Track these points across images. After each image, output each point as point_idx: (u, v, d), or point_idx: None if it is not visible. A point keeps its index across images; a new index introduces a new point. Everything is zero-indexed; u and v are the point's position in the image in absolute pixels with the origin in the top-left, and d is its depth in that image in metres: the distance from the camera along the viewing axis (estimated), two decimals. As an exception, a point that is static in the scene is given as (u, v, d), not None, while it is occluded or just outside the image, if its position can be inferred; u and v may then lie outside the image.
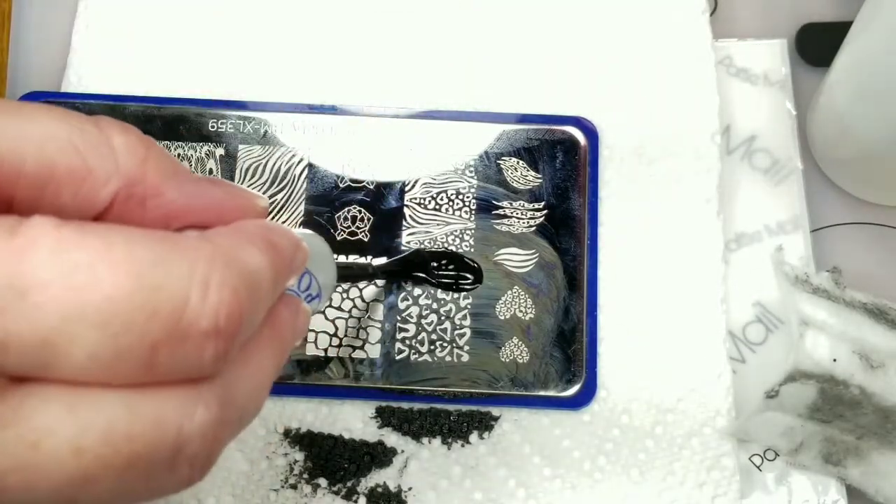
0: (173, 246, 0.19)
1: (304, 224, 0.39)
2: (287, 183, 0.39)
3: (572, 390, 0.37)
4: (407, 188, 0.39)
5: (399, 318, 0.38)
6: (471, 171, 0.40)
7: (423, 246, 0.39)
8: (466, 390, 0.37)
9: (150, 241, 0.19)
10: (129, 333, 0.18)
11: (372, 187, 0.39)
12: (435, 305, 0.38)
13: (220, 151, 0.40)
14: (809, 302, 0.36)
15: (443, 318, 0.38)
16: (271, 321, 0.23)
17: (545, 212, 0.39)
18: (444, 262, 0.38)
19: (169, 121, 0.40)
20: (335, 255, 0.38)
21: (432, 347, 0.37)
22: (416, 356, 0.37)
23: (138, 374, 0.19)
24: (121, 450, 0.18)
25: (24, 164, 0.19)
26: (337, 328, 0.38)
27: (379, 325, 0.38)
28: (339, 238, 0.39)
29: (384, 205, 0.39)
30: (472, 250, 0.39)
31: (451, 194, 0.39)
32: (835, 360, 0.35)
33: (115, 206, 0.21)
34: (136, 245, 0.18)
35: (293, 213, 0.39)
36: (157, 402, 0.19)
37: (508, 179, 0.40)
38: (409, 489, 0.36)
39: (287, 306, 0.24)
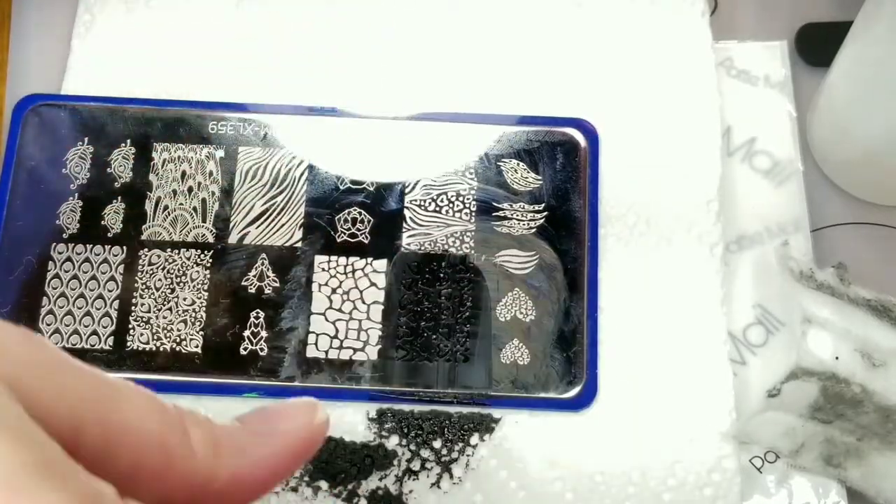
0: None
1: (304, 226, 0.39)
2: (287, 185, 0.39)
3: (573, 392, 0.37)
4: (407, 190, 0.39)
5: (399, 319, 0.38)
6: (471, 173, 0.40)
7: (422, 248, 0.39)
8: (467, 392, 0.37)
9: None
10: None
11: (372, 189, 0.39)
12: (435, 307, 0.38)
13: (220, 153, 0.40)
14: (813, 299, 0.36)
15: (443, 319, 0.38)
16: None
17: (545, 213, 0.39)
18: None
19: (169, 123, 0.40)
20: (334, 257, 0.38)
21: (433, 349, 0.37)
22: (417, 358, 0.37)
23: None
24: None
25: (117, 459, 0.18)
26: (337, 330, 0.38)
27: (379, 327, 0.38)
28: (339, 240, 0.39)
29: (384, 207, 0.39)
30: (473, 252, 0.39)
31: (452, 196, 0.39)
32: (837, 358, 0.35)
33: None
34: None
35: (293, 215, 0.39)
36: None
37: (509, 181, 0.40)
38: (410, 492, 0.36)
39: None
